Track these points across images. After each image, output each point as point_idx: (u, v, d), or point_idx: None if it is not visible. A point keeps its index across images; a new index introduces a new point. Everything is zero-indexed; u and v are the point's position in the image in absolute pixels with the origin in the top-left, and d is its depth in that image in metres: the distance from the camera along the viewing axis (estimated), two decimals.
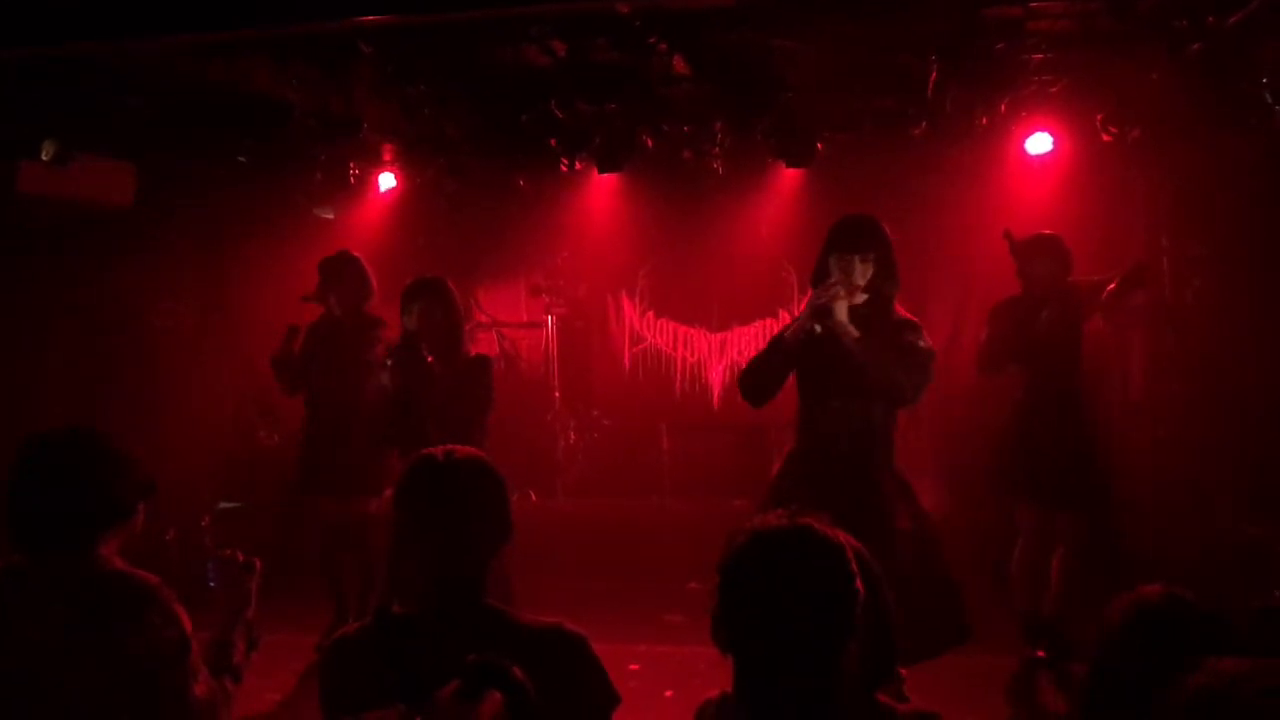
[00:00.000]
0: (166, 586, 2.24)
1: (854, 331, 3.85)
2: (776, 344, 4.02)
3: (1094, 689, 1.74)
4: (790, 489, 3.86)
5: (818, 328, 3.84)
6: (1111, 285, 4.83)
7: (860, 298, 3.92)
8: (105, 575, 2.23)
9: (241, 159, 6.72)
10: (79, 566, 2.23)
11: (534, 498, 7.75)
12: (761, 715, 1.69)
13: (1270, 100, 5.05)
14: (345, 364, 5.36)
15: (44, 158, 5.71)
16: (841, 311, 3.83)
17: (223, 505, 7.29)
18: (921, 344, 3.92)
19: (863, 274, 3.91)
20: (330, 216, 8.07)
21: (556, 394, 8.40)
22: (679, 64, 5.64)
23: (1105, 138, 5.87)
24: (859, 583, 1.69)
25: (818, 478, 3.89)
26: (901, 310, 4.02)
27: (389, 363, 4.58)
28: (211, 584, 2.39)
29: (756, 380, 4.02)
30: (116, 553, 2.29)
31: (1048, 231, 5.05)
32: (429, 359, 4.50)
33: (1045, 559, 5.03)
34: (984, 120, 5.87)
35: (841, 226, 4.00)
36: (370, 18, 4.52)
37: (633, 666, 5.06)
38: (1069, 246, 5.00)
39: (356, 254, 5.60)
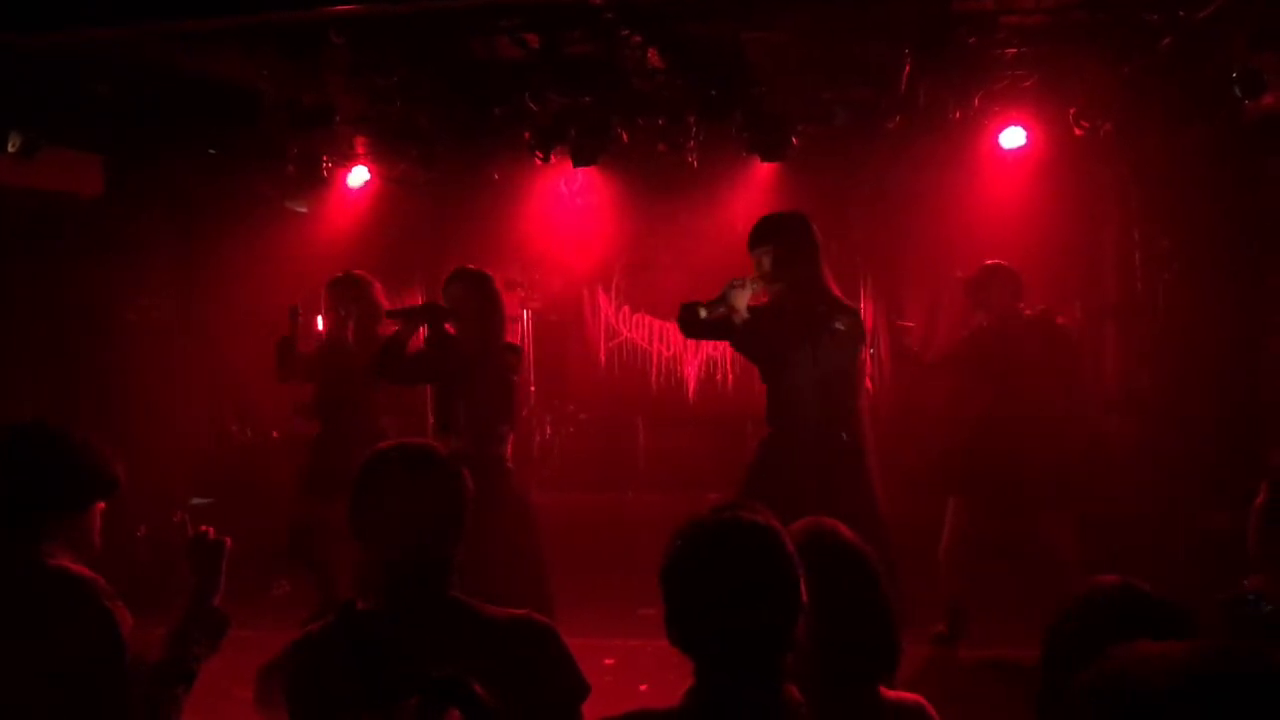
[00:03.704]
0: (106, 585, 2.20)
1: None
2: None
3: (1047, 680, 1.73)
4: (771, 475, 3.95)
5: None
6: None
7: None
8: (43, 570, 2.19)
9: (212, 151, 6.65)
10: (18, 559, 2.20)
11: None
12: (719, 704, 1.70)
13: (1240, 94, 5.08)
14: (357, 386, 5.51)
15: (10, 149, 5.64)
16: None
17: (195, 501, 7.21)
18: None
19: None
20: (303, 210, 7.99)
21: (532, 388, 8.36)
22: (653, 57, 5.62)
23: (1077, 132, 5.90)
24: (795, 563, 1.72)
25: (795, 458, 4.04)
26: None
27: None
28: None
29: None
30: (65, 548, 2.25)
31: (999, 261, 5.30)
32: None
33: (970, 548, 5.27)
34: (957, 114, 5.88)
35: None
36: (341, 7, 4.49)
37: (608, 661, 5.06)
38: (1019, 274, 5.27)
39: (364, 273, 5.70)
